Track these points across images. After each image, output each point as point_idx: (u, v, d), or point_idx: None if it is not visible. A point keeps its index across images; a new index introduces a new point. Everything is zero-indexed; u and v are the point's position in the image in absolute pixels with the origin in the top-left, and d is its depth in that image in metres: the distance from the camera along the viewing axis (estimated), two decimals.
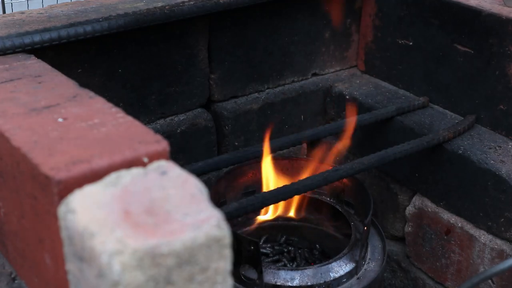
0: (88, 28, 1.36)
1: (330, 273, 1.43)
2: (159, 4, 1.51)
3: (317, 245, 1.74)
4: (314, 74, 1.94)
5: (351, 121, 1.71)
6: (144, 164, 0.78)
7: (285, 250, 1.72)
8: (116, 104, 0.94)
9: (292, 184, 1.41)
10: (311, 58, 1.90)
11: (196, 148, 1.74)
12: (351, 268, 1.46)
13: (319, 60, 1.92)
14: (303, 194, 1.54)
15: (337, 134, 1.75)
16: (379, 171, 1.83)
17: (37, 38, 1.29)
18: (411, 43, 1.80)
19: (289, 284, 1.40)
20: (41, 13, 1.44)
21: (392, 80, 1.90)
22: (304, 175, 1.64)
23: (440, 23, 1.70)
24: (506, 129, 1.62)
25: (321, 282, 1.41)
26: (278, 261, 1.68)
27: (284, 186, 1.40)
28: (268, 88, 1.85)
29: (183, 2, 1.53)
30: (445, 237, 1.66)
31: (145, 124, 1.54)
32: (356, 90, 1.88)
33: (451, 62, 1.70)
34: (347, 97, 1.87)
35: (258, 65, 1.80)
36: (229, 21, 1.69)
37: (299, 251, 1.72)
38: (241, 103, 1.79)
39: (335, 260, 1.46)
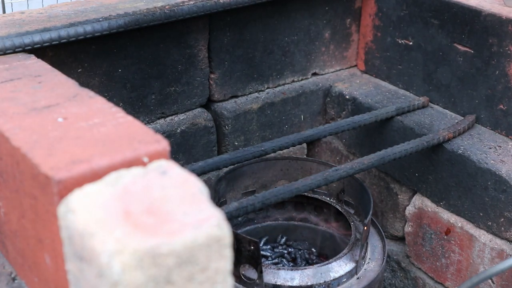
0: (88, 28, 1.36)
1: (330, 273, 1.43)
2: (159, 4, 1.51)
3: (316, 246, 1.74)
4: (314, 74, 1.94)
5: None
6: (144, 164, 0.78)
7: (285, 252, 1.72)
8: (116, 104, 0.95)
9: (292, 184, 1.41)
10: (311, 58, 1.90)
11: (196, 148, 1.73)
12: (351, 268, 1.46)
13: (319, 60, 1.92)
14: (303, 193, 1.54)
15: (337, 134, 1.74)
16: (379, 171, 1.83)
17: (37, 38, 1.29)
18: (411, 43, 1.80)
19: (289, 284, 1.40)
20: (41, 13, 1.44)
21: (392, 80, 1.90)
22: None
23: (440, 23, 1.70)
24: (506, 129, 1.62)
25: (321, 282, 1.41)
26: (278, 264, 1.68)
27: (284, 186, 1.40)
28: (268, 88, 1.85)
29: (183, 2, 1.53)
30: (445, 237, 1.66)
31: (145, 124, 1.54)
32: (356, 90, 1.88)
33: (451, 62, 1.70)
34: (347, 97, 1.87)
35: (258, 65, 1.80)
36: (229, 21, 1.69)
37: (299, 252, 1.72)
38: (241, 103, 1.79)
39: (335, 260, 1.46)
